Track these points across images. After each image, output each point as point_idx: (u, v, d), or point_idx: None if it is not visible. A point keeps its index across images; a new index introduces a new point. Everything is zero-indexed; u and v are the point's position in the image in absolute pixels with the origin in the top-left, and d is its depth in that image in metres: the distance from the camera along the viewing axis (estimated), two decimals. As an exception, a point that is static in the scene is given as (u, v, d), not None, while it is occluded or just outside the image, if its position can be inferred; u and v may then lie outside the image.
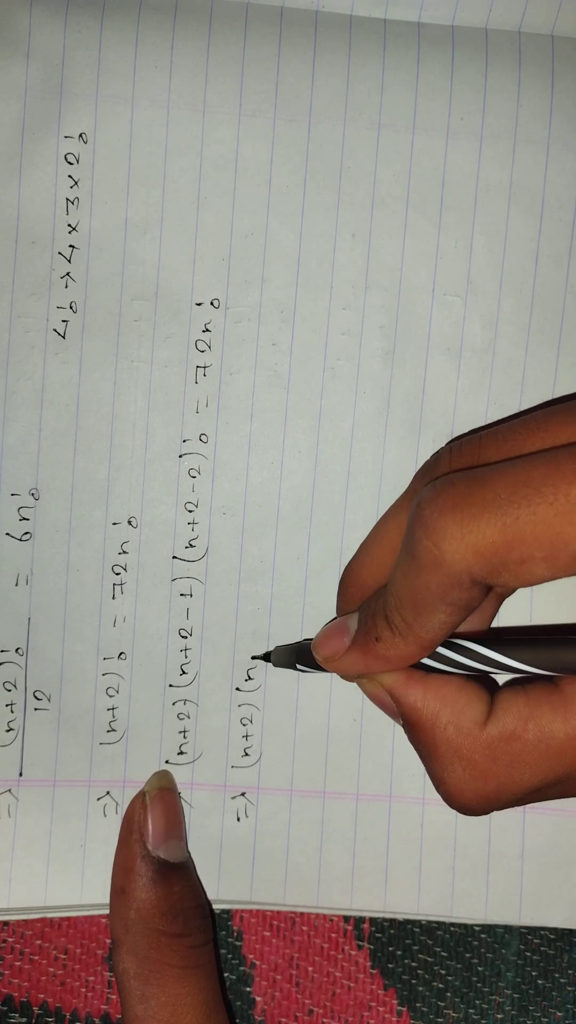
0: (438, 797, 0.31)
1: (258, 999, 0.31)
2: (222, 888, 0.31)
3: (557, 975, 0.32)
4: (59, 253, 0.30)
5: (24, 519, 0.30)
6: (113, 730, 0.31)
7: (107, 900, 0.30)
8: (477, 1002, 0.31)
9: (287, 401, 0.31)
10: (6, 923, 0.31)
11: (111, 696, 0.31)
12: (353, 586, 0.28)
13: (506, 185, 0.31)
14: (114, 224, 0.30)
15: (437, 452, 0.26)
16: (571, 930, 0.32)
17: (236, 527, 0.31)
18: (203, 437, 0.31)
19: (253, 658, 0.31)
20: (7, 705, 0.30)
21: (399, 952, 0.32)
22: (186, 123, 0.30)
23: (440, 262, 0.31)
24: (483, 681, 0.25)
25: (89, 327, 0.30)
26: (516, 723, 0.24)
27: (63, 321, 0.30)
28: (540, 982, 0.32)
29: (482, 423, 0.31)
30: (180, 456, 0.31)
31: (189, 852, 0.30)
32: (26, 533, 0.30)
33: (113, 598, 0.31)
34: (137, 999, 0.27)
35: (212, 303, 0.31)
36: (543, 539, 0.21)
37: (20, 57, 0.30)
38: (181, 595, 0.31)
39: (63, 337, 0.30)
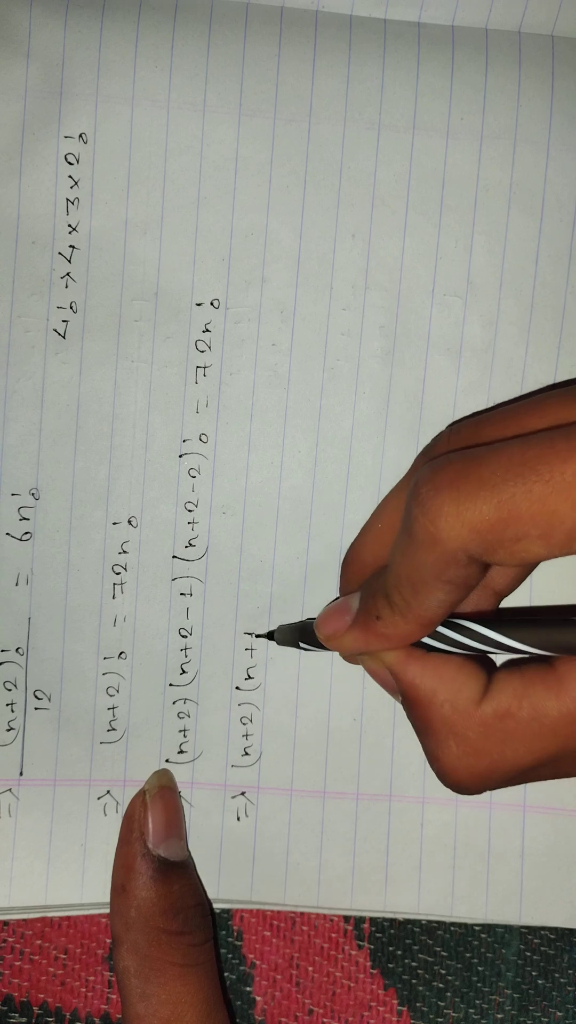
0: (438, 797, 0.31)
1: (258, 999, 0.31)
2: (222, 887, 0.31)
3: (557, 975, 0.32)
4: (59, 253, 0.30)
5: (24, 519, 0.30)
6: (113, 729, 0.31)
7: (107, 899, 0.30)
8: (477, 1002, 0.31)
9: (287, 401, 0.31)
10: (6, 923, 0.31)
11: (111, 695, 0.31)
12: (355, 566, 0.28)
13: (506, 185, 0.31)
14: (114, 224, 0.30)
15: (438, 434, 0.26)
16: (571, 930, 0.32)
17: (236, 527, 0.31)
18: (203, 437, 0.31)
19: (257, 636, 0.31)
20: (7, 705, 0.30)
21: (399, 952, 0.32)
22: (186, 123, 0.30)
23: (440, 262, 0.31)
24: (482, 661, 0.25)
25: (89, 327, 0.30)
26: (510, 701, 0.24)
27: (63, 321, 0.30)
28: (540, 982, 0.32)
29: (482, 423, 0.31)
30: (180, 456, 0.31)
31: (189, 851, 0.30)
32: (26, 533, 0.30)
33: (113, 598, 0.31)
34: (137, 997, 0.27)
35: (212, 303, 0.31)
36: (538, 517, 0.21)
37: (20, 57, 0.30)
38: (181, 594, 0.31)
39: (63, 337, 0.30)
